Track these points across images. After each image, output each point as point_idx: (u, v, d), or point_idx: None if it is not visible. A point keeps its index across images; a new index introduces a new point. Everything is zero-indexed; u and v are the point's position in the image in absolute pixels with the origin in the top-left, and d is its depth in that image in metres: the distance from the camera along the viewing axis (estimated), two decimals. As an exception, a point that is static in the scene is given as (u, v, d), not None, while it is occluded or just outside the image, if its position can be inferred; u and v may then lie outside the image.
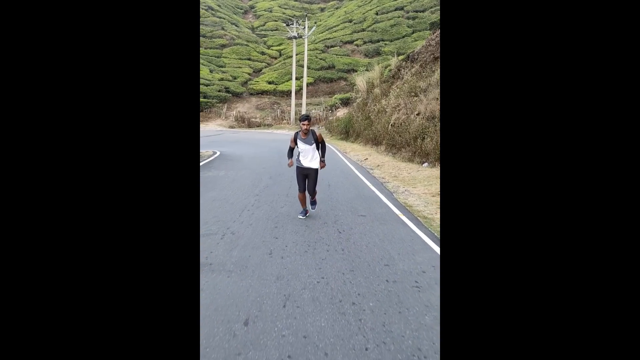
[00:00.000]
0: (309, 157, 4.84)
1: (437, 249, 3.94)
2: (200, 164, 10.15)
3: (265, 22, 50.41)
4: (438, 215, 5.36)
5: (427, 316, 2.56)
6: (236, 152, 13.29)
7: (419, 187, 7.55)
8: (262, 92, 36.46)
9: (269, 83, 37.11)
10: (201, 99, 32.74)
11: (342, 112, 25.96)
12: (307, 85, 32.19)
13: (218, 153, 12.70)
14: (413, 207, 5.94)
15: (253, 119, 32.15)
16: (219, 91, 34.87)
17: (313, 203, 5.26)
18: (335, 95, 32.47)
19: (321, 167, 4.96)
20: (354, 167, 10.40)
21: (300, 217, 5.03)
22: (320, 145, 4.93)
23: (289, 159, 5.07)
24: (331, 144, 17.26)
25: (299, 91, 31.54)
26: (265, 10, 53.69)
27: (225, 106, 33.85)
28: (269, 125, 30.74)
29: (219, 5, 50.69)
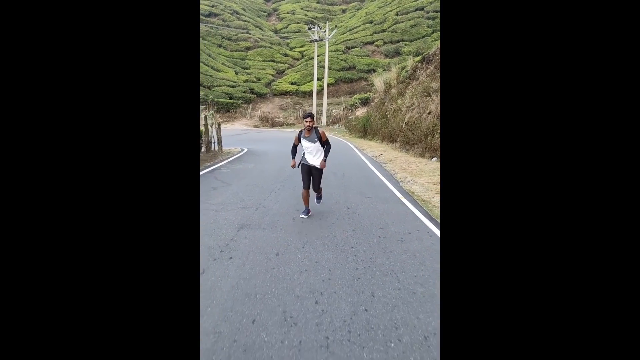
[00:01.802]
0: (314, 154, 4.84)
1: (425, 221, 4.99)
2: (232, 158, 11.47)
3: (288, 25, 51.84)
4: (435, 199, 6.39)
5: (404, 255, 3.66)
6: (262, 149, 14.56)
7: (424, 178, 8.55)
8: (285, 93, 37.85)
9: (292, 84, 38.46)
10: (228, 100, 34.44)
11: (361, 112, 26.98)
12: (328, 86, 33.38)
13: (246, 150, 14.01)
14: (415, 193, 6.97)
15: (276, 119, 33.56)
16: (244, 92, 36.48)
17: (319, 198, 5.31)
18: (355, 95, 33.53)
19: (321, 167, 4.86)
20: (368, 162, 11.46)
21: (303, 216, 4.98)
22: (325, 144, 4.89)
23: (292, 158, 5.06)
24: (349, 142, 18.35)
25: (320, 91, 32.74)
26: (288, 13, 55.15)
27: (250, 106, 35.40)
28: (292, 125, 32.06)
29: (244, 9, 52.51)
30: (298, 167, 5.01)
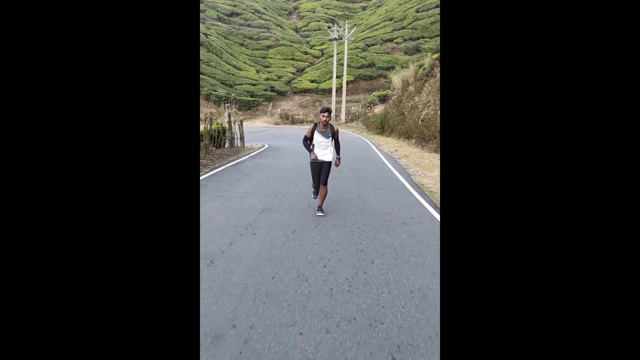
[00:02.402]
0: (324, 149, 4.89)
1: (430, 208, 5.47)
2: (254, 153, 12.15)
3: (309, 23, 52.43)
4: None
5: (404, 234, 4.18)
6: (281, 145, 15.21)
7: (435, 171, 8.97)
8: (305, 91, 38.50)
9: (312, 82, 39.07)
10: (249, 98, 35.38)
11: (379, 109, 27.34)
12: (347, 83, 33.85)
13: (266, 146, 14.69)
14: (424, 185, 7.43)
15: (296, 116, 34.28)
16: (265, 90, 37.33)
17: (320, 210, 5.08)
18: (373, 93, 33.86)
19: (337, 165, 5.05)
20: (383, 157, 11.94)
21: (315, 198, 5.29)
22: (335, 142, 4.99)
23: (309, 151, 4.99)
24: (367, 138, 18.81)
25: (339, 89, 33.22)
26: (308, 11, 55.73)
27: (271, 104, 36.24)
28: (311, 122, 32.65)
29: (265, 8, 53.41)
30: (311, 158, 5.02)
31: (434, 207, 5.56)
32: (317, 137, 4.88)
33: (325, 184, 5.00)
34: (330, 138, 4.88)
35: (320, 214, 4.96)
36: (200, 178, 7.66)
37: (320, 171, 4.98)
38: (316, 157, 4.92)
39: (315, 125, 4.91)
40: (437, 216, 5.02)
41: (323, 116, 4.73)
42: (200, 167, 9.01)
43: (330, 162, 4.96)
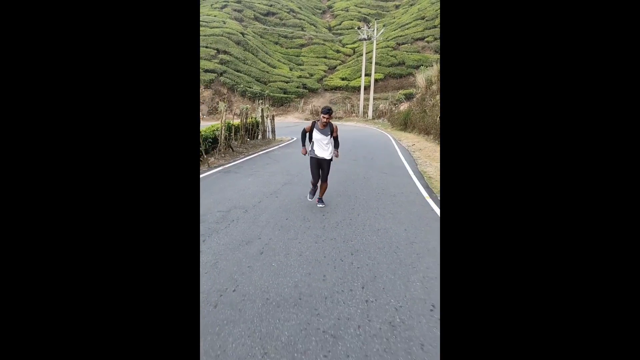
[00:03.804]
0: (323, 147, 4.98)
1: (420, 188, 6.73)
2: (282, 145, 13.72)
3: (342, 22, 53.60)
4: (438, 176, 8.05)
5: (389, 201, 5.51)
6: (309, 138, 16.73)
7: (440, 162, 10.13)
8: (336, 88, 39.83)
9: (342, 79, 40.34)
10: (282, 95, 37.20)
11: (404, 107, 28.26)
12: (377, 81, 34.93)
13: (295, 138, 16.24)
14: (425, 172, 8.65)
15: (326, 113, 35.69)
16: (297, 87, 38.99)
17: (321, 202, 5.28)
18: (400, 91, 34.72)
19: (336, 156, 5.17)
20: (399, 150, 13.15)
21: (309, 199, 5.42)
22: (335, 140, 5.07)
23: (302, 146, 5.13)
24: (389, 134, 19.98)
25: (368, 87, 34.33)
26: (342, 10, 56.88)
27: (302, 101, 37.86)
28: (340, 118, 34.03)
29: (300, 8, 55.09)
30: (305, 155, 5.17)
31: (425, 187, 6.81)
32: (316, 135, 4.96)
33: (326, 180, 5.20)
34: (329, 136, 4.95)
35: (321, 205, 5.20)
36: (237, 162, 9.26)
37: (320, 168, 5.09)
38: (306, 151, 5.11)
39: (315, 122, 5.00)
40: (424, 192, 6.30)
41: (324, 117, 4.78)
42: (236, 154, 10.65)
43: (330, 160, 5.08)
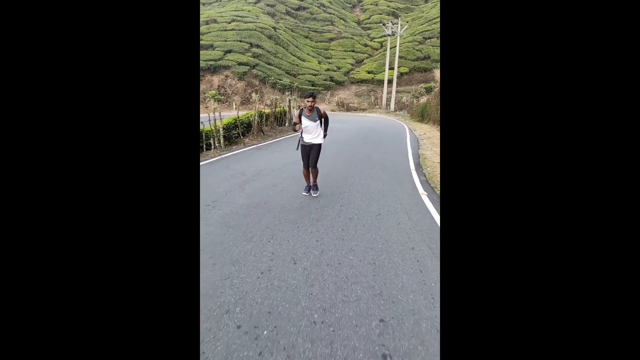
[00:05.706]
0: (312, 133, 5.05)
1: (410, 163, 8.45)
2: (306, 131, 15.64)
3: (371, 16, 54.59)
4: (434, 158, 9.71)
5: (379, 169, 7.32)
6: (332, 127, 18.55)
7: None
8: (362, 81, 41.25)
9: (368, 72, 41.68)
10: (310, 87, 39.05)
11: (424, 99, 29.50)
12: (402, 75, 36.19)
13: (318, 127, 18.12)
14: (422, 154, 10.31)
15: (351, 104, 37.30)
16: (325, 80, 40.70)
17: (315, 188, 5.45)
18: (422, 85, 35.82)
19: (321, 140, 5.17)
20: (409, 137, 14.77)
21: (304, 193, 5.39)
22: (323, 120, 5.08)
23: (294, 130, 5.19)
24: (406, 124, 21.52)
25: (392, 80, 35.67)
26: (371, 4, 57.79)
27: (329, 93, 39.55)
28: (364, 110, 35.57)
29: (330, 2, 56.50)
30: (297, 149, 5.26)
31: (417, 164, 8.52)
32: (305, 122, 5.00)
33: (315, 166, 5.24)
34: (318, 121, 4.98)
35: (315, 194, 5.33)
36: (266, 143, 11.28)
37: (310, 154, 5.15)
38: (299, 128, 5.02)
39: (302, 110, 5.01)
40: (412, 165, 8.05)
41: (308, 101, 4.81)
42: (266, 137, 12.68)
43: (319, 145, 5.15)
